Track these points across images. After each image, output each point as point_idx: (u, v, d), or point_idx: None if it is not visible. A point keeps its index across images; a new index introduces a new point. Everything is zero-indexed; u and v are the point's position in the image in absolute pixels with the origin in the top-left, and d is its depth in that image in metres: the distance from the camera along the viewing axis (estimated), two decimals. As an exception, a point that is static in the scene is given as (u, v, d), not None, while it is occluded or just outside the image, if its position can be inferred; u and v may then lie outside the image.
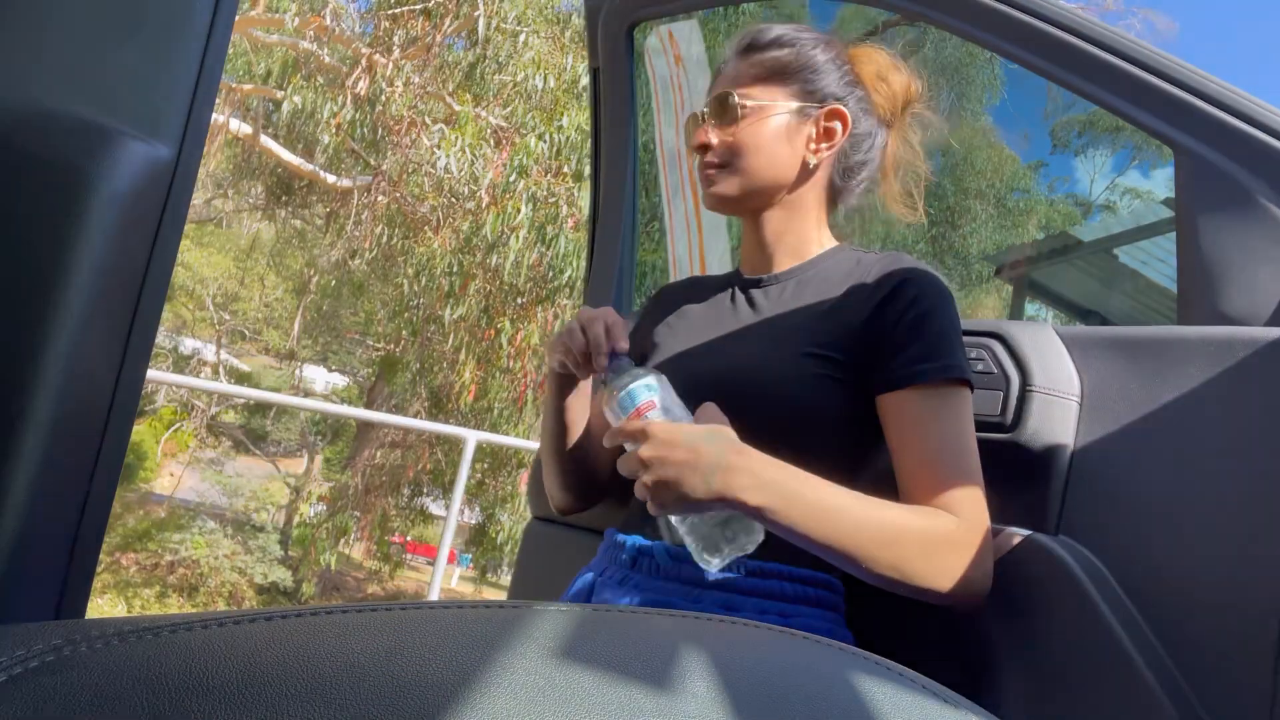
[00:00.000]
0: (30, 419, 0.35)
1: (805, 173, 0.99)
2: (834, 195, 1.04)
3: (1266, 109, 0.85)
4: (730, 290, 1.04)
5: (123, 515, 9.97)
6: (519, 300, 7.18)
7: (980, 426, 0.93)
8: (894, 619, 0.93)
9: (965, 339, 0.98)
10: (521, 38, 7.21)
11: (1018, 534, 0.88)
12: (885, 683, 0.32)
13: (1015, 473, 0.90)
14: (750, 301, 1.00)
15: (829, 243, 1.03)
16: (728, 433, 0.79)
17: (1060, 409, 0.90)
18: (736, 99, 0.97)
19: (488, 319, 7.27)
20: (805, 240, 1.01)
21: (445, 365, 8.08)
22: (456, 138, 6.87)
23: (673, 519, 0.82)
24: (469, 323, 7.34)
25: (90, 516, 0.39)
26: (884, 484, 0.85)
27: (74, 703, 0.23)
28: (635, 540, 0.92)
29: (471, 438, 3.60)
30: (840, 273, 0.96)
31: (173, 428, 13.08)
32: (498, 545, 8.61)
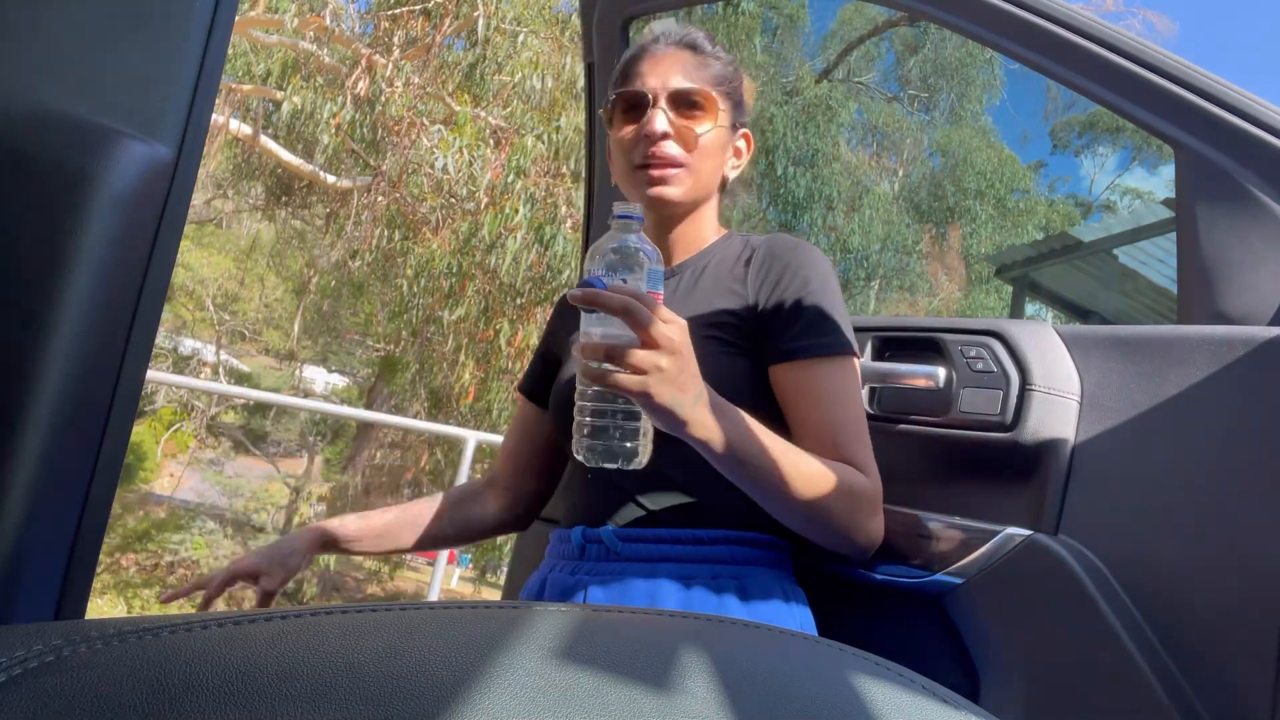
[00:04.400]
0: (30, 419, 0.35)
1: (719, 185, 1.05)
2: (721, 192, 1.09)
3: (1268, 107, 0.85)
4: None
5: (122, 515, 9.96)
6: (518, 301, 7.18)
7: (980, 425, 0.93)
8: (894, 619, 0.93)
9: (964, 337, 0.98)
10: (520, 38, 7.21)
11: (1018, 534, 0.88)
12: (885, 683, 0.32)
13: (1015, 472, 0.90)
14: None
15: (717, 231, 1.06)
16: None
17: (1060, 408, 0.90)
18: (704, 98, 0.97)
19: (486, 320, 7.27)
20: (701, 236, 1.04)
21: (445, 366, 8.08)
22: (455, 138, 6.87)
23: (589, 406, 0.79)
24: (468, 323, 7.34)
25: (90, 517, 0.39)
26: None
27: (74, 703, 0.23)
28: (582, 529, 0.93)
29: (471, 438, 3.60)
30: (730, 257, 1.00)
31: (172, 428, 13.08)
32: (497, 546, 8.61)
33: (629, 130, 0.98)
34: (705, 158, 0.98)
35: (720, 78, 1.00)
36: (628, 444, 0.78)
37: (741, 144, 1.06)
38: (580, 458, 0.78)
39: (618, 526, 0.92)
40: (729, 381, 0.89)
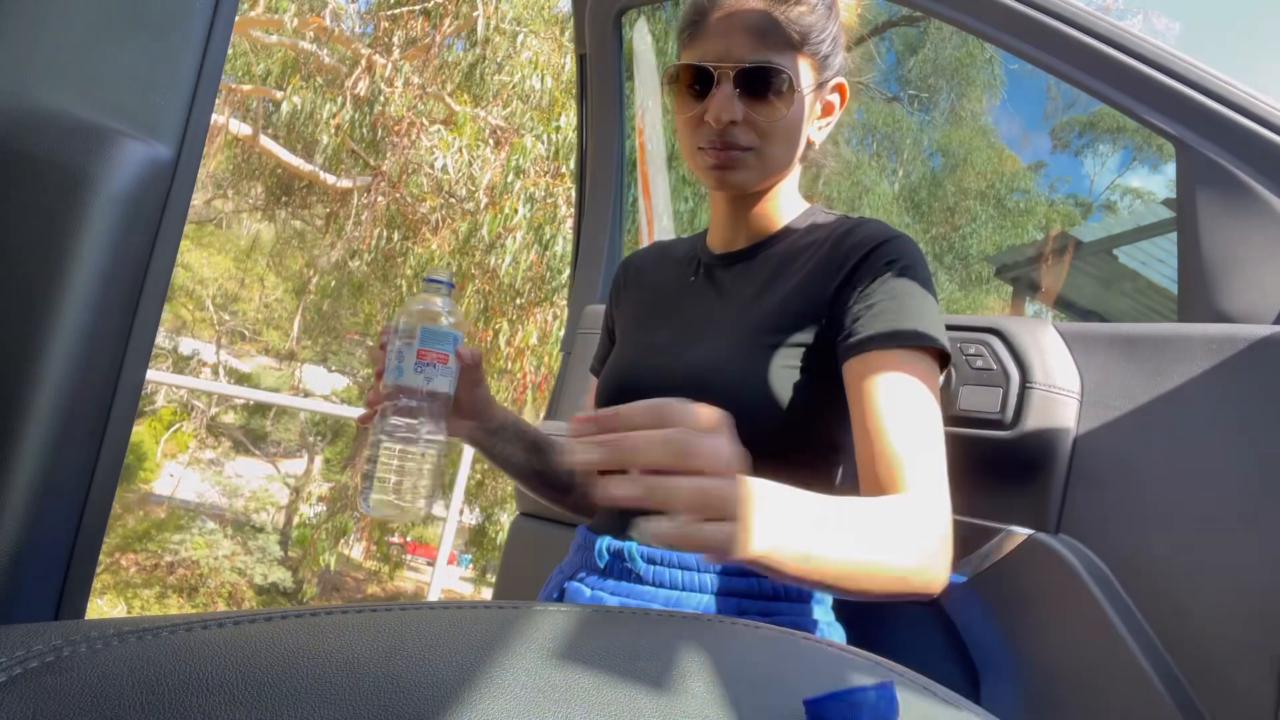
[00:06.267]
0: (30, 420, 0.35)
1: (804, 151, 0.92)
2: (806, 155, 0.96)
3: (1269, 105, 0.85)
4: (695, 266, 0.98)
5: (122, 516, 9.96)
6: (517, 301, 7.18)
7: (980, 424, 0.92)
8: (894, 619, 0.93)
9: (964, 334, 0.98)
10: (520, 38, 7.21)
11: (1019, 533, 0.88)
12: (886, 682, 0.32)
13: (1015, 471, 0.90)
14: (716, 283, 0.94)
15: (799, 206, 0.95)
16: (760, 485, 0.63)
17: (1060, 406, 0.90)
18: (780, 78, 0.84)
19: (486, 320, 7.27)
20: (780, 212, 0.94)
21: (445, 366, 8.07)
22: (455, 138, 6.88)
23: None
24: (467, 323, 7.34)
25: (90, 517, 0.39)
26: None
27: (73, 703, 0.23)
28: (607, 542, 0.84)
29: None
30: (808, 242, 0.89)
31: (172, 428, 13.08)
32: (497, 546, 8.61)
33: (692, 110, 0.86)
34: (781, 141, 0.86)
35: (806, 31, 0.84)
36: (413, 501, 0.79)
37: (834, 98, 0.91)
38: (362, 505, 0.78)
39: (643, 543, 0.83)
40: (788, 403, 0.80)
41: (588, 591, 0.84)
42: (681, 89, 0.87)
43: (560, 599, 0.87)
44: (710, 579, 0.80)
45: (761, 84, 0.83)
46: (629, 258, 1.11)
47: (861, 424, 0.76)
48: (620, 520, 0.87)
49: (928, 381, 0.76)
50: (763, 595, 0.81)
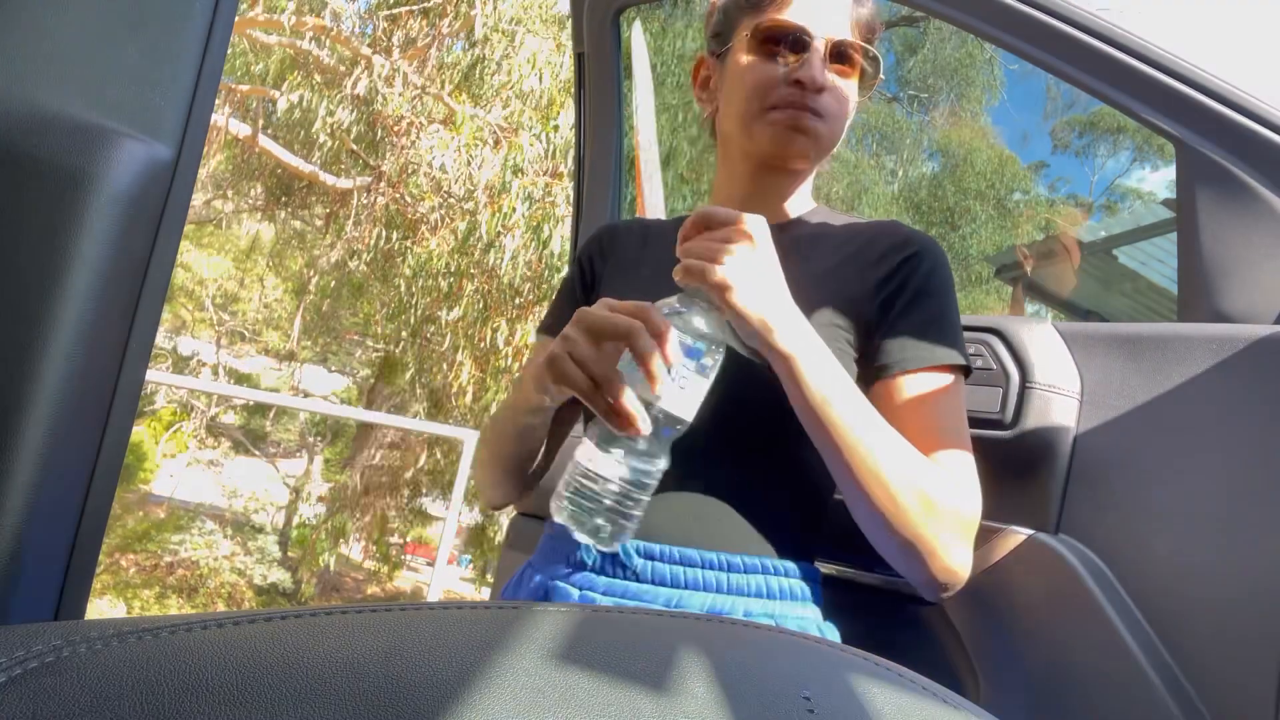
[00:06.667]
0: (30, 419, 0.35)
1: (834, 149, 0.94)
2: None
3: (1269, 105, 0.85)
4: None
5: (122, 516, 9.96)
6: (516, 300, 7.19)
7: (979, 424, 0.92)
8: (894, 619, 0.93)
9: (964, 334, 0.98)
10: (518, 38, 7.21)
11: (1019, 533, 0.88)
12: (885, 683, 0.32)
13: (1015, 471, 0.90)
14: None
15: (810, 202, 0.96)
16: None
17: (1060, 406, 0.90)
18: (871, 60, 0.88)
19: (485, 319, 7.28)
20: (798, 200, 0.94)
21: (444, 366, 8.09)
22: (454, 138, 6.88)
23: (586, 469, 0.65)
24: (466, 323, 7.35)
25: (90, 517, 0.39)
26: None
27: (73, 704, 0.23)
28: None
29: (471, 439, 3.60)
30: (829, 234, 0.89)
31: (172, 428, 13.08)
32: (496, 546, 8.61)
33: (772, 67, 0.85)
34: (842, 119, 0.89)
35: (870, 28, 0.89)
36: (620, 522, 0.66)
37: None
38: (558, 516, 0.67)
39: (635, 539, 0.78)
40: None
41: (575, 593, 0.79)
42: (763, 48, 0.86)
43: (546, 599, 0.82)
44: (714, 577, 0.77)
45: (849, 59, 0.86)
46: (607, 229, 1.03)
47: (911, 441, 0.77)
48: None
49: (961, 395, 0.80)
50: (769, 595, 0.78)
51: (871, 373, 0.81)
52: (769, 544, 0.80)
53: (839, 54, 0.85)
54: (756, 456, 0.82)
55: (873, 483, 0.71)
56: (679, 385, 0.64)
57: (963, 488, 0.75)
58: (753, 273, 0.68)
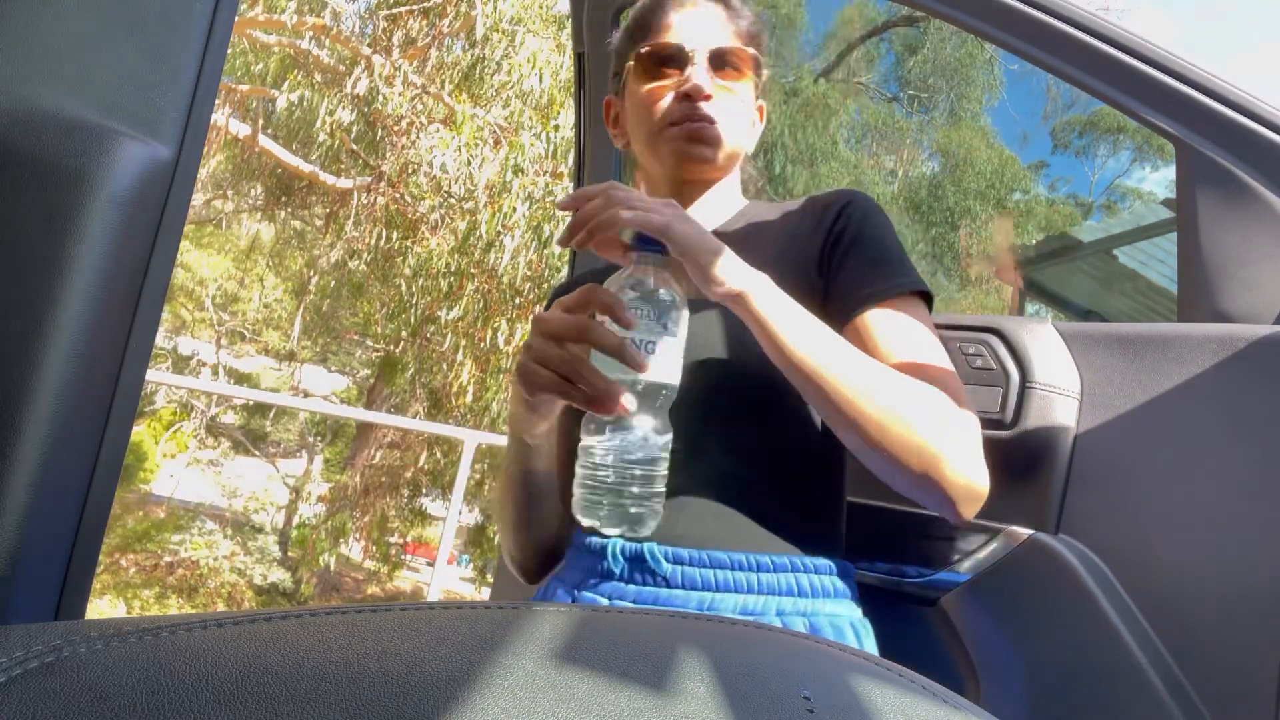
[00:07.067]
0: (30, 419, 0.35)
1: (742, 152, 0.98)
2: None
3: (1269, 105, 0.85)
4: None
5: (122, 516, 9.96)
6: (516, 300, 7.19)
7: (979, 423, 0.92)
8: (894, 619, 0.93)
9: (963, 334, 0.98)
10: (518, 37, 7.21)
11: (1019, 533, 0.88)
12: (885, 684, 0.32)
13: (1015, 471, 0.90)
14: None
15: (739, 202, 1.00)
16: None
17: (1060, 406, 0.90)
18: (743, 59, 0.92)
19: (485, 319, 7.28)
20: (725, 205, 0.98)
21: (444, 366, 8.09)
22: (454, 137, 6.88)
23: (604, 452, 0.66)
24: (466, 323, 7.35)
25: (90, 517, 0.39)
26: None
27: (73, 704, 0.23)
28: (618, 544, 0.79)
29: (471, 440, 3.59)
30: (767, 220, 0.93)
31: (172, 428, 13.08)
32: (496, 546, 8.59)
33: (660, 86, 0.91)
34: (740, 122, 0.93)
35: (751, 36, 0.95)
36: (645, 504, 0.67)
37: (757, 112, 0.99)
38: (584, 517, 0.67)
39: (661, 543, 0.77)
40: None
41: (605, 602, 0.78)
42: (650, 72, 0.92)
43: None
44: (745, 578, 0.76)
45: (729, 63, 0.91)
46: (563, 288, 1.08)
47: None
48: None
49: (927, 317, 0.82)
50: (802, 594, 0.77)
51: (837, 320, 0.81)
52: (797, 542, 0.80)
53: (720, 61, 0.90)
54: (772, 455, 0.82)
55: (868, 409, 0.71)
56: (654, 354, 0.66)
57: (956, 395, 0.75)
58: (683, 216, 0.71)
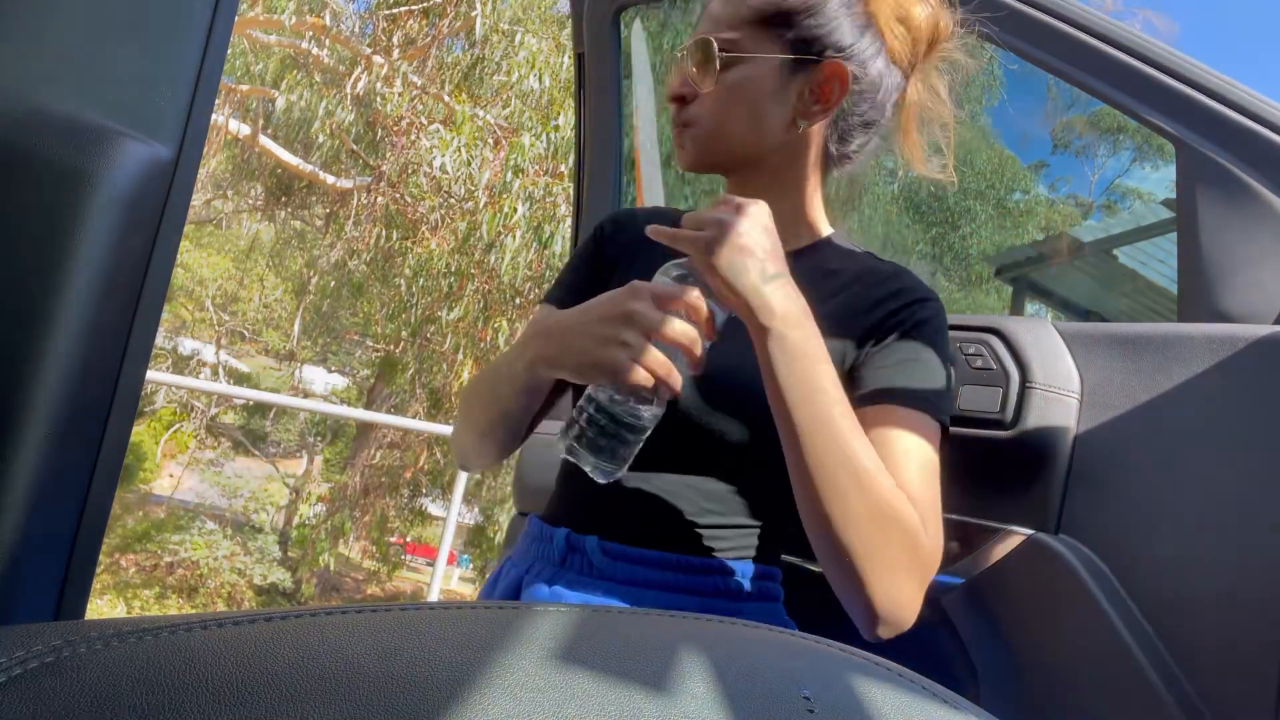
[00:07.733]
0: (30, 419, 0.35)
1: (793, 140, 0.85)
2: (828, 163, 0.90)
3: (1269, 105, 0.85)
4: None
5: (122, 516, 9.96)
6: (517, 300, 7.19)
7: (979, 423, 0.93)
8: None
9: (963, 334, 0.98)
10: (518, 37, 7.22)
11: (1019, 533, 0.88)
12: (885, 684, 0.32)
13: (1015, 470, 0.90)
14: None
15: (823, 228, 0.91)
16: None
17: (1060, 406, 0.90)
18: (717, 45, 0.82)
19: (485, 319, 7.28)
20: (796, 221, 0.89)
21: (444, 366, 8.09)
22: (454, 138, 6.88)
23: (596, 399, 0.70)
24: (467, 323, 7.35)
25: (90, 517, 0.39)
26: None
27: (73, 704, 0.23)
28: (564, 534, 0.82)
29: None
30: (837, 269, 0.86)
31: (172, 428, 13.08)
32: (496, 545, 8.61)
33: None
34: (722, 115, 0.84)
35: (770, 8, 0.82)
36: (618, 454, 0.71)
37: (834, 83, 0.83)
38: (566, 450, 0.71)
39: (602, 537, 0.81)
40: None
41: (546, 589, 0.81)
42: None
43: (516, 596, 0.84)
44: (673, 576, 0.79)
45: (699, 55, 0.84)
46: (617, 216, 1.01)
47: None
48: (581, 512, 0.84)
49: (935, 447, 0.76)
50: (726, 594, 0.80)
51: (855, 390, 0.78)
52: (727, 546, 0.82)
53: (697, 55, 0.84)
54: (722, 463, 0.83)
55: (830, 476, 0.68)
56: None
57: (927, 524, 0.70)
58: (736, 242, 0.69)
